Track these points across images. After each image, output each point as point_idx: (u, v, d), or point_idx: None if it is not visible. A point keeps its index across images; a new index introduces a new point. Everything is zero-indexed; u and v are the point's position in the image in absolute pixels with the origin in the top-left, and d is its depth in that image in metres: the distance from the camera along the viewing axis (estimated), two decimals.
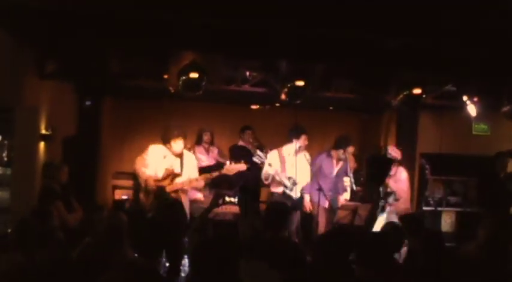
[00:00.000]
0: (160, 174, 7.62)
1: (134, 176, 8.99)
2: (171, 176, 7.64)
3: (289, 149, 8.95)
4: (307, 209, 8.97)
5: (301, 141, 8.91)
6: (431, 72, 8.61)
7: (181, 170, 7.72)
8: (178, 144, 7.65)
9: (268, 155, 8.97)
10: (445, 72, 8.44)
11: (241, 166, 7.88)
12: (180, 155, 7.74)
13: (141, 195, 7.64)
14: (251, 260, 4.59)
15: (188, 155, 7.92)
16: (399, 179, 8.81)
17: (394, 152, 8.97)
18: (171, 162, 7.69)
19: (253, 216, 9.08)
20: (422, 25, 6.49)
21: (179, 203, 7.67)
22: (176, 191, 7.65)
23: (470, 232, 8.16)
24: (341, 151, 9.12)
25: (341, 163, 9.18)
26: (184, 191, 7.79)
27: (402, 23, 6.45)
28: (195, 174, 7.81)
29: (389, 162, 9.02)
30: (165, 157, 7.67)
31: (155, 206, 7.54)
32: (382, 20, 6.40)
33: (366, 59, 7.65)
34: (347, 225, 7.89)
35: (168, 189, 7.61)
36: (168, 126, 7.78)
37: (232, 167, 7.83)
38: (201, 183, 8.04)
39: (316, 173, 8.98)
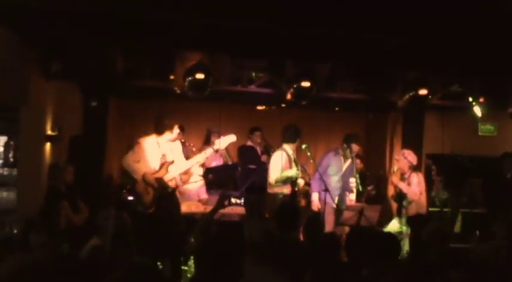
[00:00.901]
0: (155, 165, 7.76)
1: (126, 173, 9.11)
2: (166, 165, 7.76)
3: (289, 148, 8.98)
4: (315, 208, 8.95)
5: (297, 144, 8.96)
6: (434, 71, 8.61)
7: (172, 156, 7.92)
8: (177, 131, 7.90)
9: (276, 157, 8.95)
10: (448, 71, 8.43)
11: (231, 137, 8.06)
12: (173, 141, 7.96)
13: (140, 191, 7.71)
14: (260, 262, 4.57)
15: (176, 143, 8.09)
16: (410, 183, 8.75)
17: (410, 156, 8.89)
18: (163, 150, 7.84)
19: (260, 217, 9.05)
20: (424, 25, 6.48)
21: (175, 194, 7.95)
22: (172, 180, 7.82)
23: (477, 232, 8.16)
24: (344, 146, 9.10)
25: (348, 161, 9.15)
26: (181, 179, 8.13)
27: (404, 22, 6.44)
28: (182, 159, 8.02)
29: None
30: (159, 146, 7.81)
31: (157, 198, 7.69)
32: (385, 19, 6.39)
33: (369, 59, 7.65)
34: (356, 226, 7.85)
35: (166, 178, 7.75)
36: (161, 117, 7.91)
37: (223, 140, 8.02)
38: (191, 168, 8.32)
39: (324, 173, 8.95)
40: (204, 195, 9.43)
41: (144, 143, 7.78)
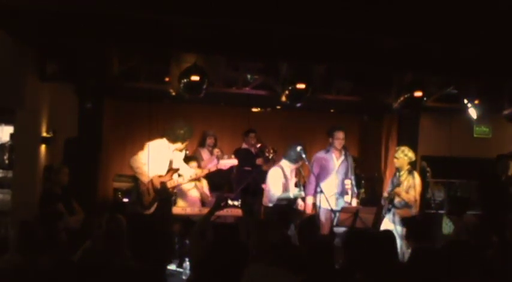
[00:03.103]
0: (162, 169, 7.85)
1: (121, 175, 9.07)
2: (172, 172, 7.89)
3: (288, 166, 8.86)
4: (309, 211, 8.94)
5: (297, 166, 8.89)
6: (431, 72, 8.61)
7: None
8: (186, 143, 8.08)
9: (274, 174, 8.82)
10: (444, 72, 8.44)
11: (234, 161, 8.22)
12: (180, 151, 8.12)
13: (142, 191, 7.72)
14: (259, 263, 4.57)
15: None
16: (412, 186, 8.72)
17: (410, 152, 8.83)
18: (171, 157, 7.96)
19: (256, 220, 9.04)
20: (422, 25, 6.49)
21: (171, 201, 8.24)
22: (174, 187, 8.05)
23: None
24: (330, 140, 9.12)
25: (342, 158, 9.12)
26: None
27: (400, 23, 6.45)
28: (184, 167, 8.19)
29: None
30: (168, 151, 7.93)
31: (156, 201, 7.78)
32: (380, 20, 6.40)
33: (365, 59, 7.66)
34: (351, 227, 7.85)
35: (169, 184, 7.87)
36: (176, 126, 7.96)
37: (226, 162, 8.18)
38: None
39: (318, 175, 8.93)
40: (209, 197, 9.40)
41: (154, 146, 7.83)
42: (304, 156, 8.81)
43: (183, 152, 8.30)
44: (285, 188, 8.72)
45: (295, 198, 8.77)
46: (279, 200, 8.67)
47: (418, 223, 6.70)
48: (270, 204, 8.74)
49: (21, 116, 7.65)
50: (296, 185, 9.08)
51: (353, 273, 4.76)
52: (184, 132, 7.91)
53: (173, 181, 7.90)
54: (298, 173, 9.22)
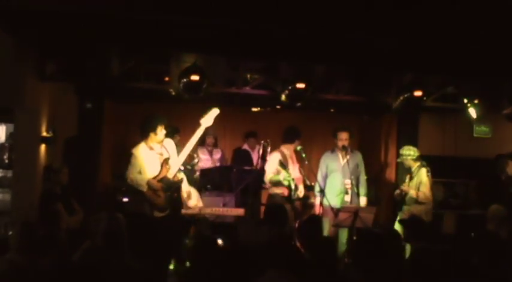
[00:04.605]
0: (157, 168, 7.72)
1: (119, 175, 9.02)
2: (164, 162, 7.75)
3: (287, 149, 9.05)
4: (318, 211, 8.98)
5: (295, 145, 9.02)
6: (431, 72, 8.62)
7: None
8: (163, 131, 7.78)
9: (272, 158, 9.01)
10: (444, 72, 8.44)
11: (214, 112, 8.09)
12: (161, 142, 7.87)
13: (150, 198, 7.65)
14: (254, 264, 4.57)
15: (167, 141, 8.01)
16: (420, 182, 8.79)
17: (410, 150, 8.98)
18: (158, 151, 7.82)
19: (255, 220, 9.06)
20: (422, 25, 6.50)
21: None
22: (176, 175, 7.84)
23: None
24: (335, 141, 9.19)
25: (347, 158, 9.14)
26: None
27: (402, 23, 6.45)
28: (175, 156, 7.91)
29: None
30: (152, 149, 7.77)
31: (169, 199, 7.71)
32: (382, 20, 6.40)
33: (365, 60, 7.66)
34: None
35: (169, 175, 7.73)
36: (147, 117, 7.91)
37: (208, 118, 8.04)
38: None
39: (325, 175, 9.07)
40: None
41: (138, 151, 7.75)
42: (304, 155, 8.89)
43: (169, 141, 8.03)
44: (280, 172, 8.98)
45: (289, 183, 8.86)
46: (271, 183, 9.03)
47: (417, 223, 6.68)
48: (273, 191, 9.08)
49: (20, 116, 7.65)
50: (305, 186, 9.25)
51: (353, 273, 4.76)
52: (148, 121, 7.79)
53: (172, 170, 7.76)
54: (301, 172, 9.30)
